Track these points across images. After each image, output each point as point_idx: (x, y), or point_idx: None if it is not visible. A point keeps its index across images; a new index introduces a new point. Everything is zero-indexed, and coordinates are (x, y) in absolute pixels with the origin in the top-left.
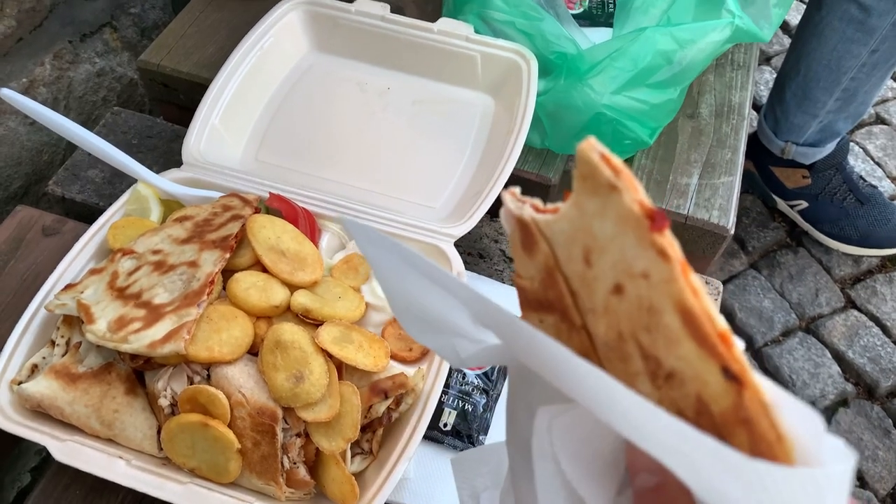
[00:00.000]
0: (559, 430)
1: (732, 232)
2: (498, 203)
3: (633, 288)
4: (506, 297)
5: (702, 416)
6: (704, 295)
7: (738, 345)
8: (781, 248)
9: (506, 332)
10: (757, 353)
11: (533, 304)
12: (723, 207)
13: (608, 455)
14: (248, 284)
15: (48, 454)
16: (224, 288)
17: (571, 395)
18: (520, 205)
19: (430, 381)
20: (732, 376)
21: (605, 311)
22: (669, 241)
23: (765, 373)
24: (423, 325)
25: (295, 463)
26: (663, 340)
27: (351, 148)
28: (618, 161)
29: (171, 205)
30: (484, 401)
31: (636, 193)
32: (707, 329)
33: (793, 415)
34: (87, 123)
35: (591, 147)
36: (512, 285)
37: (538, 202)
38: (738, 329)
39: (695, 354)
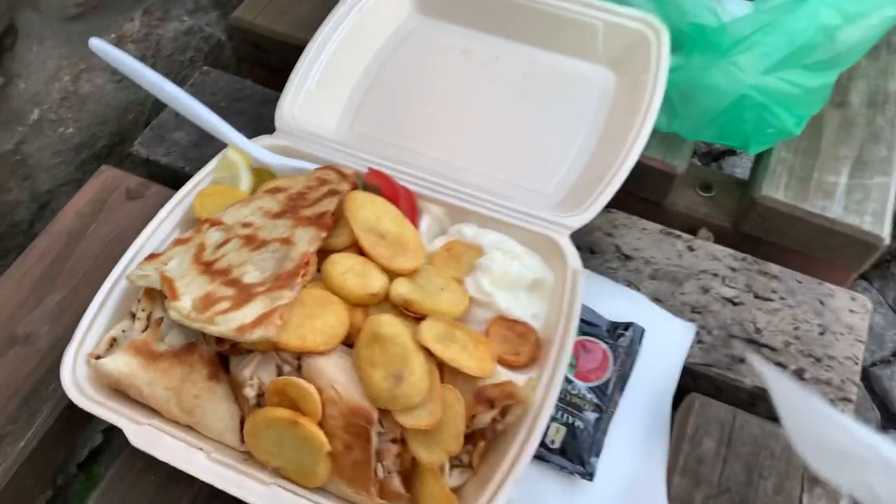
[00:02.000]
0: None
1: (888, 242)
2: (620, 192)
3: None
4: (621, 297)
5: None
6: None
7: None
8: None
9: None
10: (864, 373)
11: None
12: (876, 213)
13: None
14: (344, 268)
15: None
16: (318, 270)
17: None
18: None
19: (541, 393)
20: None
21: None
22: None
23: (871, 395)
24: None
25: (389, 472)
26: None
27: (454, 122)
28: None
29: (261, 174)
30: (596, 417)
31: None
32: None
33: None
34: (174, 83)
35: None
36: (627, 285)
37: None
38: None
39: None
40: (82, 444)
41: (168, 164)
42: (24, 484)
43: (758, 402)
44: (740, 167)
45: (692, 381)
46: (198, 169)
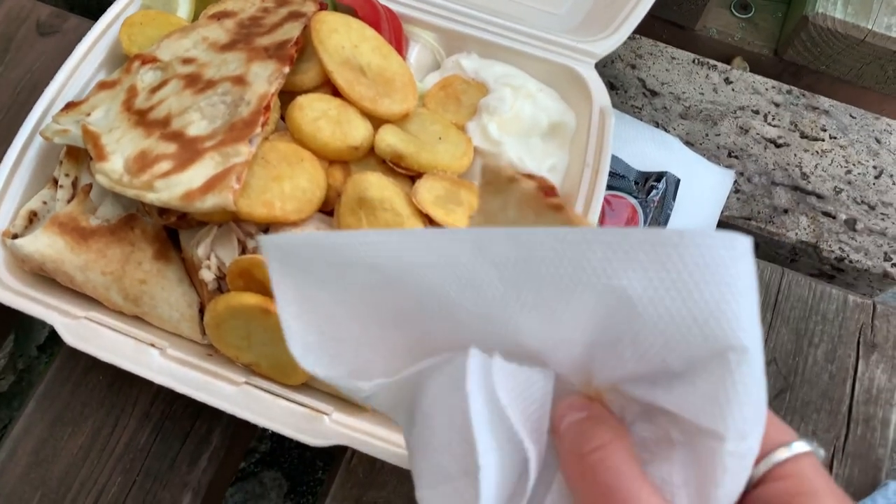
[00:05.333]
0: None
1: None
2: (646, 18)
3: None
4: (650, 140)
5: None
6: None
7: None
8: None
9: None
10: None
11: None
12: None
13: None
14: (316, 113)
15: None
16: (282, 118)
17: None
18: None
19: None
20: None
21: None
22: (560, 200)
23: None
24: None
25: None
26: None
27: None
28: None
29: None
30: None
31: (530, 179)
32: None
33: None
34: None
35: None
36: (654, 127)
37: None
38: None
39: None
40: (41, 324)
41: None
42: None
43: (800, 259)
44: None
45: None
46: None
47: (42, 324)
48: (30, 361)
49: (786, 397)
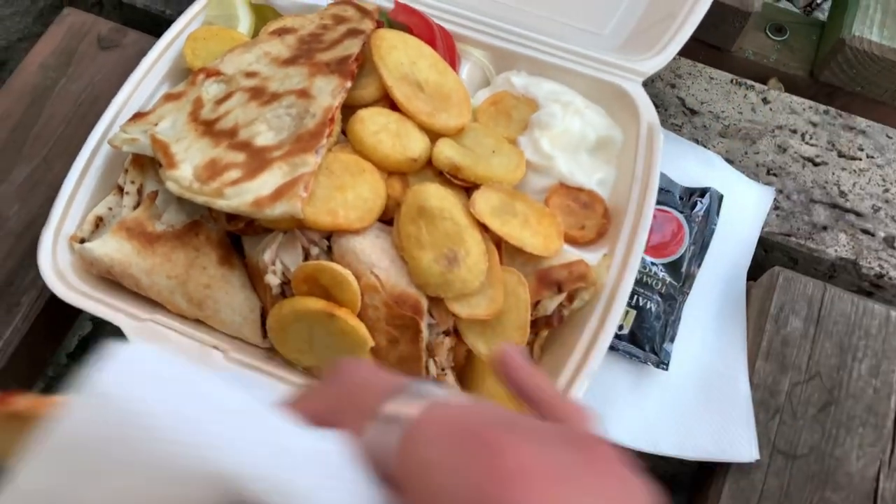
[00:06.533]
0: None
1: None
2: (691, 39)
3: None
4: (693, 157)
5: None
6: None
7: None
8: None
9: None
10: None
11: None
12: None
13: None
14: (377, 127)
15: None
16: (343, 131)
17: None
18: None
19: (614, 272)
20: None
21: None
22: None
23: None
24: None
25: (443, 369)
26: None
27: None
28: None
29: (263, 13)
30: (670, 298)
31: None
32: None
33: None
34: None
35: None
36: (706, 148)
37: None
38: None
39: None
40: (71, 333)
41: (145, 7)
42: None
43: (838, 276)
44: None
45: (764, 253)
46: (181, 14)
47: (73, 332)
48: (59, 370)
49: (831, 411)
